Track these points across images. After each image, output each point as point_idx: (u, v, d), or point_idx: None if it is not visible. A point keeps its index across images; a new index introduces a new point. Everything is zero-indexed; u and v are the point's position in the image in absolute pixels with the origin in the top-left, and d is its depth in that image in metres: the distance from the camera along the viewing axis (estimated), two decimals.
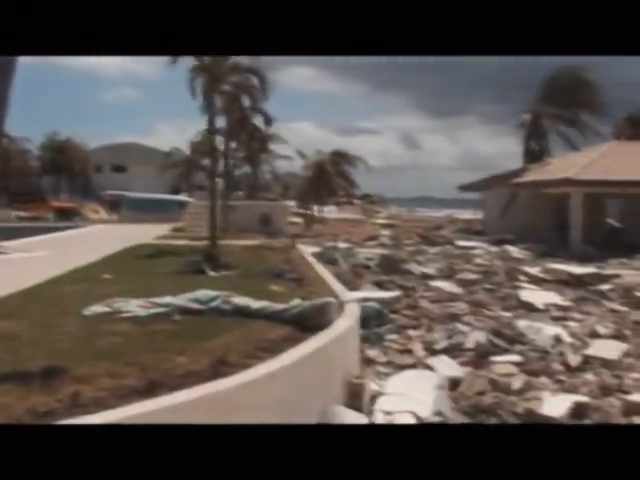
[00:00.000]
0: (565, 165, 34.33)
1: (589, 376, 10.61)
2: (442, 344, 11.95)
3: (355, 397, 8.33)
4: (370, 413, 8.13)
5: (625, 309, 16.29)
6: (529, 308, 15.89)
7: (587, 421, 8.61)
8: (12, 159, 54.04)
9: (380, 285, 17.78)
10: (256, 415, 6.20)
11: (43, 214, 47.63)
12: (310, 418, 7.23)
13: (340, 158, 50.20)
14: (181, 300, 9.50)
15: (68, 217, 46.60)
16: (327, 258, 21.18)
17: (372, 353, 11.21)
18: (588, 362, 11.26)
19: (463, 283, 19.11)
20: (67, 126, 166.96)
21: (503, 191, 36.60)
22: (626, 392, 9.71)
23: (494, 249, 29.55)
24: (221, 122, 29.12)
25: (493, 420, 8.51)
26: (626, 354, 11.78)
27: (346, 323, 9.20)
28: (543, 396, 9.31)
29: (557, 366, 11.01)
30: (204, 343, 7.39)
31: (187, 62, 22.27)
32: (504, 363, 10.84)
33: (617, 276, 21.32)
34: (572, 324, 14.32)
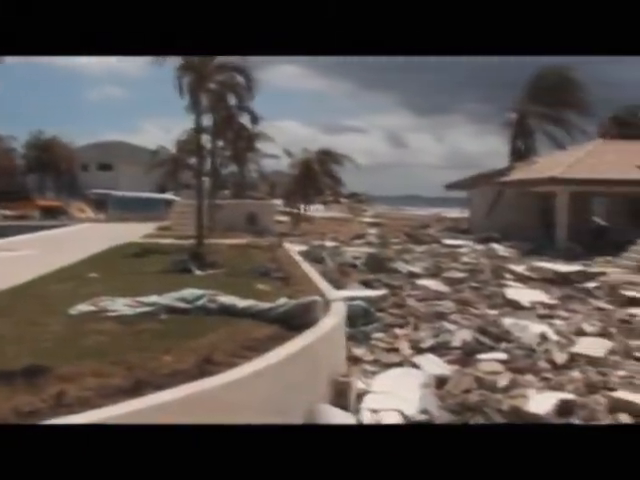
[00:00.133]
0: (551, 164, 34.48)
1: (575, 374, 10.65)
2: (428, 342, 11.97)
3: (341, 395, 8.33)
4: (356, 411, 8.14)
5: (611, 307, 16.38)
6: (515, 306, 15.95)
7: (573, 418, 8.65)
8: None
9: (367, 284, 17.81)
10: (242, 414, 6.20)
11: (29, 213, 47.42)
12: (296, 417, 7.23)
13: (327, 157, 50.23)
14: (167, 299, 9.48)
15: (54, 216, 46.42)
16: (314, 257, 21.20)
17: (359, 351, 11.21)
18: (574, 360, 11.31)
19: (449, 281, 19.17)
20: (53, 124, 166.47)
21: (489, 190, 36.74)
22: (612, 389, 9.74)
23: (480, 247, 29.67)
24: (207, 121, 29.03)
25: (479, 418, 8.52)
26: (612, 352, 11.83)
27: (332, 322, 9.20)
28: (529, 394, 9.33)
29: (543, 364, 11.05)
30: (190, 342, 7.37)
31: (173, 60, 22.21)
32: (490, 361, 10.87)
33: (603, 274, 21.44)
34: (558, 322, 14.38)
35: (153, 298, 9.52)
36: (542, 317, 14.87)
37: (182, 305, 9.32)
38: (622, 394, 9.36)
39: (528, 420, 8.39)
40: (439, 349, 11.62)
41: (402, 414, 7.97)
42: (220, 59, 24.05)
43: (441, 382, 9.81)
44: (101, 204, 48.65)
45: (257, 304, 9.28)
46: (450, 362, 10.94)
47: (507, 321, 13.51)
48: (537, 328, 12.98)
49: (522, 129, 45.23)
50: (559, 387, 9.86)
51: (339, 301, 10.77)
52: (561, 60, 40.07)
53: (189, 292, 9.72)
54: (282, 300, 9.46)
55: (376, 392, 8.82)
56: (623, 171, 30.88)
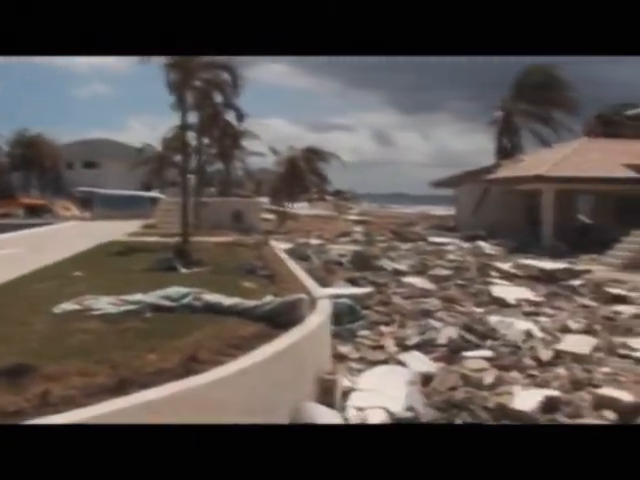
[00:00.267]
0: (537, 162, 34.61)
1: (560, 370, 10.69)
2: (414, 340, 11.98)
3: (327, 393, 8.33)
4: (342, 409, 8.14)
5: (595, 304, 16.47)
6: (501, 304, 16.00)
7: (558, 415, 8.68)
8: None
9: (352, 281, 17.83)
10: (228, 412, 6.18)
11: (13, 211, 47.08)
12: (282, 415, 7.22)
13: (313, 154, 50.31)
14: (152, 297, 9.43)
15: (39, 214, 46.11)
16: (299, 254, 21.19)
17: (344, 349, 11.22)
18: (559, 357, 11.35)
19: (435, 279, 19.21)
20: (39, 122, 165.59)
21: (475, 187, 36.83)
22: (596, 386, 9.79)
23: (466, 245, 29.78)
24: (193, 118, 28.94)
25: (465, 415, 8.53)
26: (596, 348, 11.89)
27: (318, 319, 9.19)
28: (514, 390, 9.36)
29: (528, 361, 11.09)
30: (175, 340, 7.34)
31: (159, 58, 22.11)
32: (476, 358, 10.89)
33: (588, 272, 21.57)
34: (543, 319, 14.45)
35: (138, 296, 9.47)
36: (527, 314, 14.93)
37: (167, 303, 9.28)
38: (607, 391, 9.41)
39: (514, 417, 8.41)
40: (425, 346, 11.63)
41: (388, 412, 7.97)
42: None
43: (427, 379, 9.82)
44: (86, 202, 48.37)
45: (243, 302, 9.25)
46: (436, 359, 10.96)
47: (493, 318, 13.55)
48: (522, 325, 13.03)
49: (508, 127, 45.41)
50: (544, 384, 9.90)
51: (325, 299, 10.76)
52: (547, 59, 40.19)
53: (174, 290, 9.68)
54: (268, 298, 9.44)
55: (362, 390, 8.83)
56: (608, 169, 31.04)
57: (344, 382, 8.99)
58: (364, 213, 54.97)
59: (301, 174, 45.13)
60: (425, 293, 16.98)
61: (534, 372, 10.58)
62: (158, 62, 22.79)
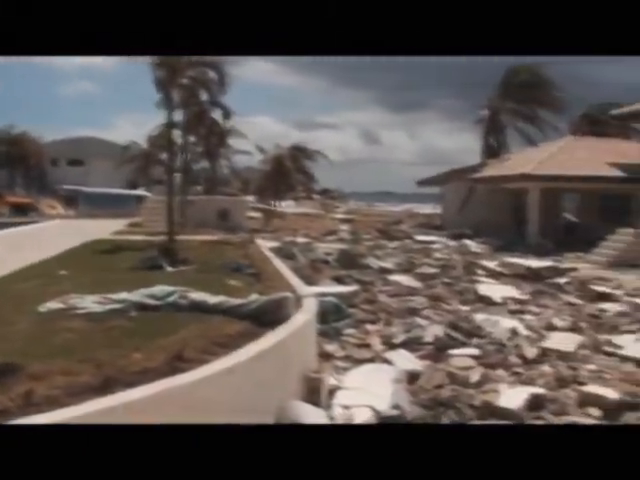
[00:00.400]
0: (523, 160, 34.71)
1: (545, 368, 10.73)
2: (400, 338, 11.99)
3: (313, 392, 8.31)
4: (328, 407, 8.12)
5: (581, 302, 16.53)
6: (487, 302, 16.05)
7: (544, 412, 8.71)
8: None
9: (339, 280, 17.82)
10: (214, 411, 6.16)
11: None
12: (268, 413, 7.21)
13: (299, 153, 50.33)
14: (137, 296, 9.39)
15: (24, 212, 45.80)
16: (286, 253, 21.15)
17: (330, 348, 11.21)
18: (545, 354, 11.40)
19: (422, 277, 19.24)
20: (23, 120, 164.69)
21: (462, 186, 36.91)
22: (582, 383, 9.84)
23: (453, 243, 29.84)
24: (179, 116, 28.86)
25: (451, 413, 8.55)
26: (582, 346, 11.94)
27: (304, 318, 9.17)
28: (500, 388, 9.39)
29: (514, 359, 11.12)
30: (160, 339, 7.31)
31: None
32: (462, 356, 10.92)
33: (573, 270, 21.66)
34: (529, 317, 14.50)
35: (123, 295, 9.43)
36: (513, 312, 14.98)
37: (152, 302, 9.25)
38: (592, 388, 9.46)
39: (500, 415, 8.43)
40: (411, 345, 11.64)
41: (374, 410, 7.96)
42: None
43: (413, 377, 9.84)
44: (71, 200, 48.15)
45: (228, 300, 9.22)
46: (422, 357, 10.97)
47: (479, 317, 13.58)
48: (508, 323, 13.08)
49: (494, 126, 45.58)
50: (530, 381, 9.93)
51: (310, 297, 10.74)
52: (533, 58, 40.33)
53: (159, 289, 9.64)
54: (253, 296, 9.41)
55: (348, 388, 8.82)
56: (594, 168, 31.17)
57: (330, 381, 8.98)
58: (351, 211, 55.01)
59: (287, 172, 45.11)
60: (411, 291, 17.00)
61: (520, 370, 10.61)
62: (145, 60, 22.73)
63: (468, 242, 29.54)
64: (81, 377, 5.88)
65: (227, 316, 8.70)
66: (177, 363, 6.54)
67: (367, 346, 11.64)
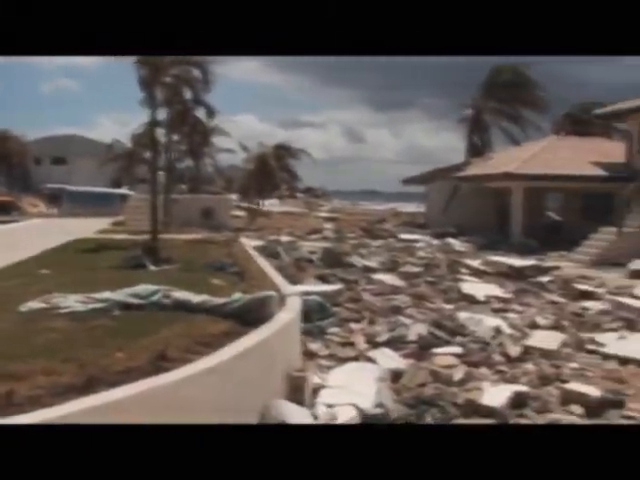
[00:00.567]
0: (506, 159, 34.84)
1: (529, 366, 10.79)
2: (384, 336, 12.01)
3: (297, 390, 8.32)
4: (312, 406, 8.12)
5: (564, 300, 16.62)
6: (470, 300, 16.10)
7: (527, 410, 8.76)
8: None
9: (323, 278, 17.83)
10: (197, 410, 6.15)
11: None
12: (252, 412, 7.20)
13: (283, 151, 50.26)
14: (120, 295, 9.34)
15: (6, 211, 45.54)
16: (270, 252, 21.14)
17: (314, 346, 11.21)
18: (528, 352, 11.45)
19: (405, 276, 19.28)
20: (6, 118, 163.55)
21: (445, 185, 36.99)
22: (564, 381, 9.89)
23: (436, 242, 29.90)
24: (163, 115, 28.75)
25: (434, 411, 8.57)
26: (564, 344, 12.00)
27: (288, 316, 9.18)
28: (483, 386, 9.43)
29: (497, 357, 11.17)
30: (144, 338, 7.28)
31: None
32: (445, 355, 10.94)
33: (556, 268, 21.76)
34: (512, 315, 14.56)
35: (106, 294, 9.37)
36: (497, 311, 15.04)
37: (136, 301, 9.20)
38: (574, 386, 9.51)
39: (483, 412, 8.46)
40: (395, 343, 11.67)
41: (357, 408, 7.97)
42: None
43: (396, 376, 9.86)
44: (54, 199, 47.92)
45: (212, 299, 9.20)
46: (406, 356, 11.00)
47: (462, 315, 13.62)
48: (492, 322, 13.12)
49: (478, 125, 45.72)
50: (513, 379, 9.99)
51: (294, 296, 10.74)
52: (517, 58, 40.49)
53: (143, 288, 9.60)
54: (237, 295, 9.39)
55: (331, 387, 8.82)
56: (577, 167, 31.34)
57: (314, 379, 8.99)
58: (335, 210, 55.03)
59: (271, 171, 45.01)
60: (395, 290, 17.03)
61: (503, 368, 10.66)
62: (128, 58, 22.66)
63: (452, 241, 29.63)
64: (64, 377, 5.85)
65: (211, 315, 8.68)
66: (160, 362, 6.52)
67: (351, 345, 11.65)
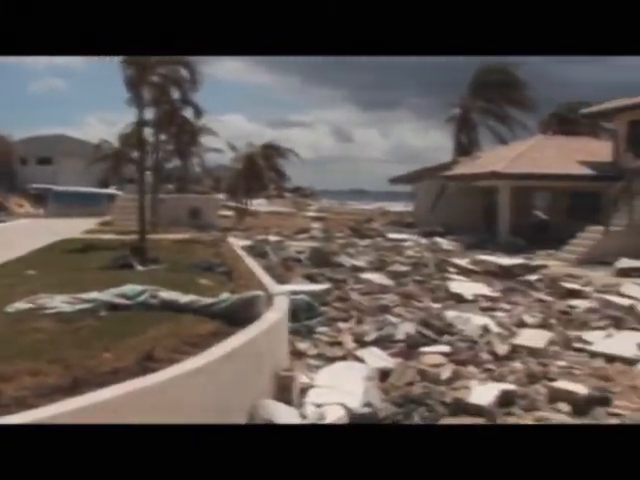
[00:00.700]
0: (493, 159, 34.93)
1: (516, 364, 10.81)
2: (372, 336, 12.01)
3: (285, 390, 8.30)
4: (300, 406, 8.12)
5: (551, 299, 16.67)
6: (458, 299, 16.13)
7: (514, 408, 8.78)
8: None
9: (311, 278, 17.81)
10: (184, 411, 6.13)
11: None
12: (240, 412, 7.19)
13: (271, 151, 50.13)
14: (107, 295, 9.30)
15: None
16: (258, 251, 21.13)
17: (302, 346, 11.20)
18: (515, 351, 11.47)
19: (393, 275, 19.29)
20: None
21: (433, 184, 37.05)
22: (552, 379, 9.92)
23: (424, 241, 29.95)
24: (150, 114, 28.69)
25: (422, 410, 8.57)
26: (552, 342, 12.04)
27: (275, 316, 9.16)
28: (471, 385, 9.44)
29: (485, 355, 11.18)
30: (131, 339, 7.25)
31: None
32: (433, 353, 10.95)
33: (544, 267, 21.85)
34: (500, 314, 14.59)
35: (93, 295, 9.33)
36: (484, 310, 15.07)
37: (123, 301, 9.16)
38: (562, 384, 9.54)
39: (471, 411, 8.47)
40: (383, 342, 11.66)
41: (345, 408, 7.97)
42: None
43: (385, 375, 9.85)
44: (41, 199, 47.76)
45: (199, 299, 9.17)
46: (394, 355, 10.99)
47: (450, 314, 13.64)
48: (479, 320, 13.14)
49: (466, 124, 45.82)
50: (501, 378, 10.00)
51: (282, 295, 10.73)
52: (504, 58, 40.60)
53: (130, 288, 9.56)
54: (224, 295, 9.37)
55: (320, 386, 8.82)
56: (563, 166, 31.46)
57: (302, 379, 8.98)
58: (323, 210, 55.02)
59: (259, 171, 44.91)
60: (383, 289, 17.04)
61: (491, 366, 10.68)
62: (115, 58, 22.59)
63: (439, 240, 29.69)
64: (50, 378, 5.82)
65: (198, 315, 8.66)
66: (148, 363, 6.50)
67: (339, 344, 11.64)
